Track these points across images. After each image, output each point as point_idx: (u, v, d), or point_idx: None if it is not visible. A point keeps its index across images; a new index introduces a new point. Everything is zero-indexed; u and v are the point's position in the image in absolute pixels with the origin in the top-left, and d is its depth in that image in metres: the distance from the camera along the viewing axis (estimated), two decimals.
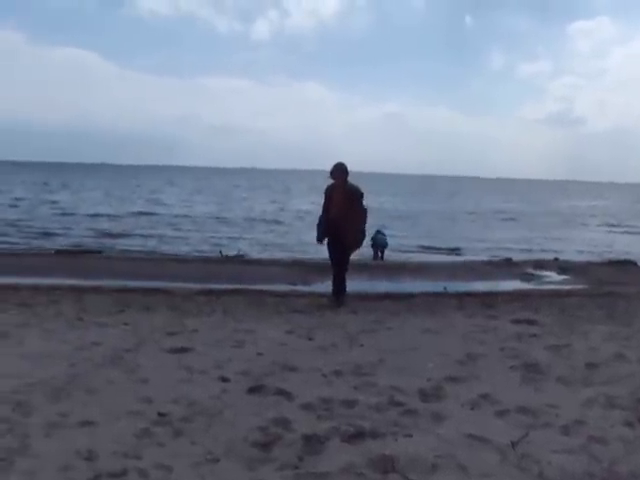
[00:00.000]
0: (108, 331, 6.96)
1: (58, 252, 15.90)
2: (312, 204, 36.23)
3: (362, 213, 9.05)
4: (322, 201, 9.30)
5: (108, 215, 27.35)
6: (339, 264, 9.19)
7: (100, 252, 16.07)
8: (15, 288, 10.22)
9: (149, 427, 4.18)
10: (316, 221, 9.41)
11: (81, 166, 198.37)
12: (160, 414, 4.41)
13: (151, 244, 18.48)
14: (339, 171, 9.06)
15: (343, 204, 8.83)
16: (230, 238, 20.71)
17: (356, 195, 8.98)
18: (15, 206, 29.61)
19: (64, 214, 26.10)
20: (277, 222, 24.89)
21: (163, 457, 3.74)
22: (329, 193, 9.11)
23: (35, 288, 10.32)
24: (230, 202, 39.39)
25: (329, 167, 9.11)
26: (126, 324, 7.35)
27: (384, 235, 16.80)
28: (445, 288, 10.98)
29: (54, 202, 32.63)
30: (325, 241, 9.17)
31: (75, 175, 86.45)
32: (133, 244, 19.14)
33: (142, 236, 20.78)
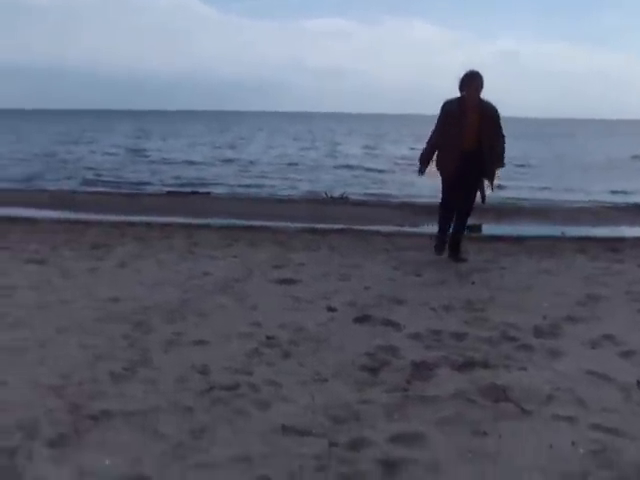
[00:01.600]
0: (217, 263, 7.20)
1: (169, 193, 16.55)
2: (412, 150, 35.46)
3: (503, 141, 6.89)
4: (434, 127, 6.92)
5: (203, 163, 27.91)
6: (462, 210, 7.17)
7: (208, 193, 16.58)
8: (131, 224, 10.81)
9: (258, 348, 4.30)
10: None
11: (182, 113, 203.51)
12: (269, 337, 4.52)
13: (253, 187, 18.77)
14: (476, 80, 6.63)
15: (480, 127, 6.59)
16: (331, 181, 20.65)
17: (497, 115, 6.76)
18: (114, 154, 30.64)
19: (161, 162, 26.81)
20: (376, 170, 24.46)
21: (273, 375, 3.84)
22: (452, 111, 6.65)
23: (149, 225, 10.85)
24: (328, 146, 39.13)
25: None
26: (234, 257, 7.56)
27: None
28: (563, 233, 10.27)
29: (151, 150, 33.49)
30: (430, 175, 7.15)
31: (175, 123, 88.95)
32: (236, 184, 19.55)
33: (244, 178, 21.15)
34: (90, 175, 20.83)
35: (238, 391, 3.60)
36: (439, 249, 7.38)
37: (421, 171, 7.07)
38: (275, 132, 61.81)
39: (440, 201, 7.22)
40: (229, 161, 27.05)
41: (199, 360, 4.05)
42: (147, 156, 29.10)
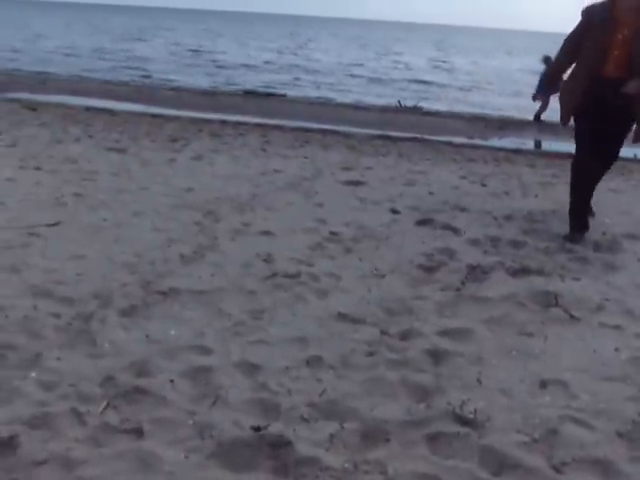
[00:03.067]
0: (289, 162, 7.33)
1: (246, 93, 16.63)
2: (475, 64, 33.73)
3: None
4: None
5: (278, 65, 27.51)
6: (606, 157, 4.84)
7: (284, 95, 16.54)
8: (208, 121, 11.07)
9: (321, 242, 4.47)
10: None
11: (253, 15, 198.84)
12: (332, 233, 4.68)
13: (325, 92, 18.55)
14: None
15: (635, 46, 4.39)
16: (407, 90, 20.14)
17: None
18: (174, 54, 30.45)
19: (239, 66, 26.61)
20: (450, 85, 23.48)
21: (333, 267, 4.01)
22: (594, 21, 4.52)
23: (224, 122, 11.08)
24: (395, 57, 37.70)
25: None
26: (305, 157, 7.68)
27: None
28: (635, 155, 9.76)
29: (219, 52, 33.14)
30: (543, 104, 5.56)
31: (246, 24, 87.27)
32: (307, 87, 19.37)
33: (315, 83, 20.88)
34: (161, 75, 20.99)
35: (299, 279, 3.79)
36: (581, 231, 4.76)
37: (536, 96, 5.37)
38: (350, 41, 59.90)
39: (575, 157, 4.85)
40: (302, 68, 26.69)
41: (264, 249, 4.26)
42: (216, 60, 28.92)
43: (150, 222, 4.70)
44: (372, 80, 23.10)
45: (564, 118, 4.78)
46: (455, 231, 4.83)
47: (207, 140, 8.65)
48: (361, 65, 29.18)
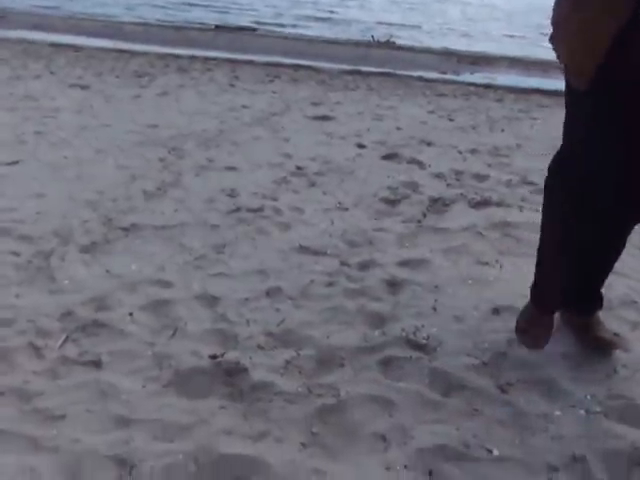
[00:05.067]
0: (257, 97, 7.22)
1: (217, 27, 16.16)
2: None
3: None
4: None
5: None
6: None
7: (255, 30, 16.12)
8: (175, 56, 10.77)
9: (286, 176, 4.46)
10: None
11: None
12: (298, 167, 4.66)
13: (300, 27, 18.10)
14: None
15: None
16: (382, 24, 19.71)
17: None
18: None
19: None
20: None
21: (297, 201, 4.01)
22: None
23: (193, 57, 10.79)
24: None
25: None
26: (274, 92, 7.56)
27: None
28: None
29: None
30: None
31: None
32: (286, 24, 18.89)
33: (297, 17, 20.37)
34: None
35: (262, 213, 3.80)
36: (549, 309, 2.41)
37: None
38: None
39: (566, 182, 2.15)
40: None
41: (228, 184, 4.24)
42: None
43: (113, 159, 4.63)
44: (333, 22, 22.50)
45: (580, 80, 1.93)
46: (420, 165, 4.85)
47: (174, 76, 8.45)
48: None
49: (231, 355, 2.35)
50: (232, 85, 7.94)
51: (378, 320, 2.67)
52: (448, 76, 10.92)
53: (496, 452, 1.87)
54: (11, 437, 1.94)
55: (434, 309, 2.74)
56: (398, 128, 6.01)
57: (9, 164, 4.37)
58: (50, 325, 2.56)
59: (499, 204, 4.00)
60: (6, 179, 4.12)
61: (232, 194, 4.08)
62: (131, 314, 2.65)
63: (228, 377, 2.24)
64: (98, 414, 2.06)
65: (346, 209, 3.91)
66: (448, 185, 4.39)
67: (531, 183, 4.47)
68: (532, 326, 2.25)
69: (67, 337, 2.49)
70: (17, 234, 3.36)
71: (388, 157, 5.01)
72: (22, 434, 1.95)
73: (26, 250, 3.19)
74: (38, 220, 3.55)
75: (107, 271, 3.02)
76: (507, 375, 2.27)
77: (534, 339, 2.25)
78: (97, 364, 2.33)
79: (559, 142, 2.17)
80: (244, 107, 6.60)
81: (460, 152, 5.25)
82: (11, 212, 3.63)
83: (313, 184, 4.34)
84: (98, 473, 1.80)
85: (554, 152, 2.18)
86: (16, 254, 3.14)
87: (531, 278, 2.55)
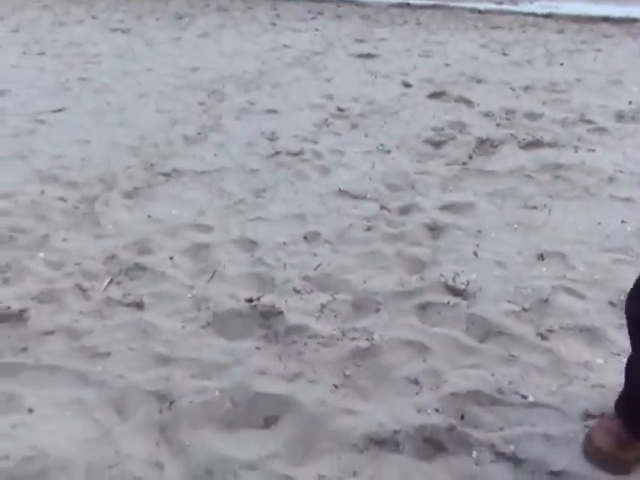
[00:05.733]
0: (299, 35, 7.06)
1: None
2: None
3: None
4: None
5: None
6: None
7: None
8: None
9: (328, 118, 4.38)
10: None
11: None
12: (339, 109, 4.56)
13: None
14: None
15: None
16: None
17: None
18: None
19: None
20: None
21: (338, 144, 3.94)
22: None
23: None
24: None
25: None
26: (317, 30, 7.38)
27: None
28: None
29: None
30: None
31: None
32: None
33: None
34: None
35: (302, 157, 3.75)
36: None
37: None
38: None
39: None
40: None
41: (268, 127, 4.20)
42: None
43: (154, 104, 4.63)
44: None
45: None
46: (468, 103, 4.67)
47: (214, 16, 8.33)
48: None
49: (267, 298, 2.36)
50: (273, 24, 7.78)
51: (417, 265, 2.62)
52: (505, 6, 10.39)
53: (531, 398, 1.84)
54: (62, 372, 2.03)
55: (475, 254, 2.68)
56: (447, 65, 5.79)
57: (55, 111, 4.42)
58: (95, 268, 2.62)
59: (552, 145, 3.83)
60: (53, 126, 4.18)
61: (272, 137, 4.04)
62: (171, 258, 2.68)
63: (264, 320, 2.25)
64: (140, 352, 2.12)
65: (388, 151, 3.83)
66: (497, 125, 4.23)
67: (589, 121, 4.26)
68: (620, 450, 1.65)
69: (111, 279, 2.55)
70: (64, 180, 3.42)
71: (435, 96, 4.85)
72: (72, 369, 2.04)
73: (72, 196, 3.26)
74: (83, 166, 3.60)
75: (149, 216, 3.05)
76: (548, 322, 2.21)
77: (624, 465, 1.67)
78: (139, 305, 2.38)
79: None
80: (285, 47, 6.47)
81: (513, 89, 5.03)
82: (58, 159, 3.69)
83: (355, 126, 4.25)
84: (140, 407, 1.86)
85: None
86: (63, 200, 3.21)
87: (581, 223, 2.44)
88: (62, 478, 1.60)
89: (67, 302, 2.40)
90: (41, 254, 2.73)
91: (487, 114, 4.43)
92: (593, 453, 1.64)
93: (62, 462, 1.63)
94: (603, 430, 1.65)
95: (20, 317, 2.28)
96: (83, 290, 2.47)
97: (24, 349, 2.12)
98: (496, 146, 3.85)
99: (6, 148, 3.81)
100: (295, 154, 3.78)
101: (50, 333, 2.21)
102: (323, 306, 2.33)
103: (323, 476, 1.59)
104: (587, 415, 1.77)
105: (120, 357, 2.08)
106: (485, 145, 3.87)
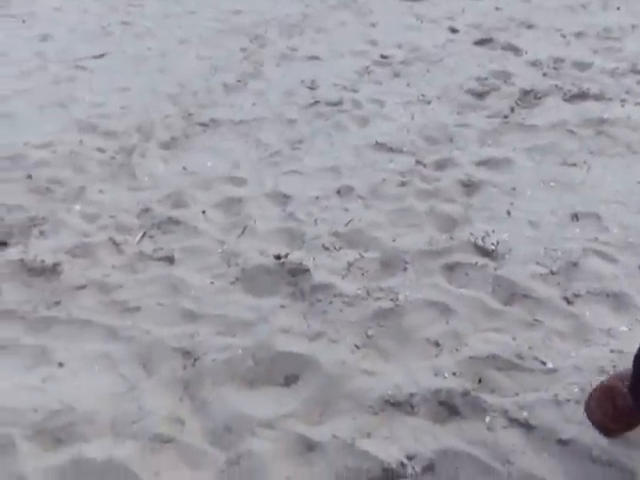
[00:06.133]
0: None
1: None
2: None
3: None
4: None
5: None
6: None
7: None
8: None
9: (369, 66, 4.29)
10: None
11: None
12: (382, 56, 4.46)
13: None
14: None
15: None
16: None
17: None
18: None
19: None
20: None
21: (378, 93, 3.87)
22: None
23: None
24: None
25: None
26: None
27: None
28: None
29: None
30: None
31: None
32: None
33: None
34: None
35: (341, 107, 3.71)
36: None
37: None
38: None
39: None
40: None
41: (309, 75, 4.15)
42: None
43: (195, 50, 4.61)
44: None
45: None
46: (516, 51, 4.49)
47: None
48: None
49: (295, 255, 2.39)
50: None
51: (448, 223, 2.61)
52: None
53: (550, 365, 1.84)
54: (93, 326, 2.12)
55: (508, 213, 2.64)
56: (497, 8, 5.55)
57: (96, 57, 4.46)
58: (129, 221, 2.69)
59: (598, 97, 3.67)
60: (93, 73, 4.23)
61: (312, 86, 4.00)
62: (204, 212, 2.73)
63: (291, 277, 2.29)
64: (169, 308, 2.19)
65: (429, 102, 3.74)
66: (544, 75, 4.06)
67: None
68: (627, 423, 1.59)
69: (144, 233, 2.62)
70: (102, 130, 3.49)
71: (481, 42, 4.67)
72: (102, 324, 2.12)
73: (110, 146, 3.32)
74: (122, 115, 3.65)
75: (184, 168, 3.10)
76: (576, 286, 2.18)
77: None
78: (170, 260, 2.45)
79: None
80: None
81: (564, 36, 4.80)
82: (97, 107, 3.75)
83: (397, 74, 4.16)
84: (165, 363, 1.94)
85: None
86: (101, 150, 3.28)
87: (620, 182, 2.35)
88: (87, 432, 1.70)
89: (100, 256, 2.48)
90: (77, 206, 2.81)
91: (534, 63, 4.26)
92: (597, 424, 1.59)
93: (88, 417, 1.73)
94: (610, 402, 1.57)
95: (54, 271, 2.38)
96: (116, 244, 2.55)
97: (57, 303, 2.22)
98: (540, 98, 3.72)
99: (46, 96, 3.88)
100: (334, 104, 3.73)
101: (82, 287, 2.30)
102: (350, 264, 2.35)
103: (337, 436, 1.64)
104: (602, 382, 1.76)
105: (149, 312, 2.16)
106: (529, 97, 3.74)
